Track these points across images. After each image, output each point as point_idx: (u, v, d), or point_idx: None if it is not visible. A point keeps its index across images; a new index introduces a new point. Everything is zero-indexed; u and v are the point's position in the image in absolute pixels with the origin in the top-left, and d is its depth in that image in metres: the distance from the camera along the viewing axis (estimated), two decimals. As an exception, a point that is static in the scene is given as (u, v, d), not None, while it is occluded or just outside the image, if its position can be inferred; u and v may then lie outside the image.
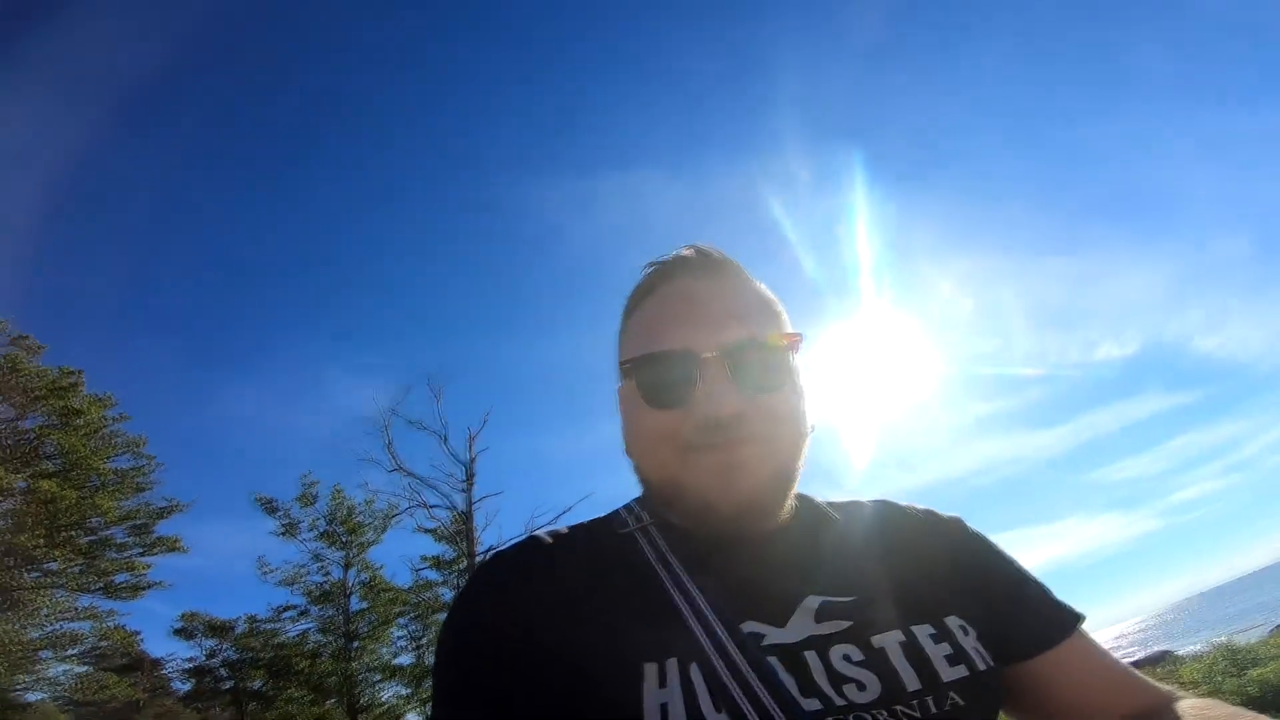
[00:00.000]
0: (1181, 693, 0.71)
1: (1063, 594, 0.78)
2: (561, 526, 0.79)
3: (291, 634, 21.44)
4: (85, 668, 17.27)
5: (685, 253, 0.78)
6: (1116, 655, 0.78)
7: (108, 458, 16.81)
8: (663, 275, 0.77)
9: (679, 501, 0.70)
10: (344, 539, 20.96)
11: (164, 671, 23.80)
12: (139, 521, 17.45)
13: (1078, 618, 0.76)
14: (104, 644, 17.24)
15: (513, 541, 0.76)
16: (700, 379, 0.67)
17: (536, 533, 0.76)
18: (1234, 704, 0.67)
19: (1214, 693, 6.63)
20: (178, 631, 22.32)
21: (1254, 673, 6.86)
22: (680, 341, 0.69)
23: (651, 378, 0.70)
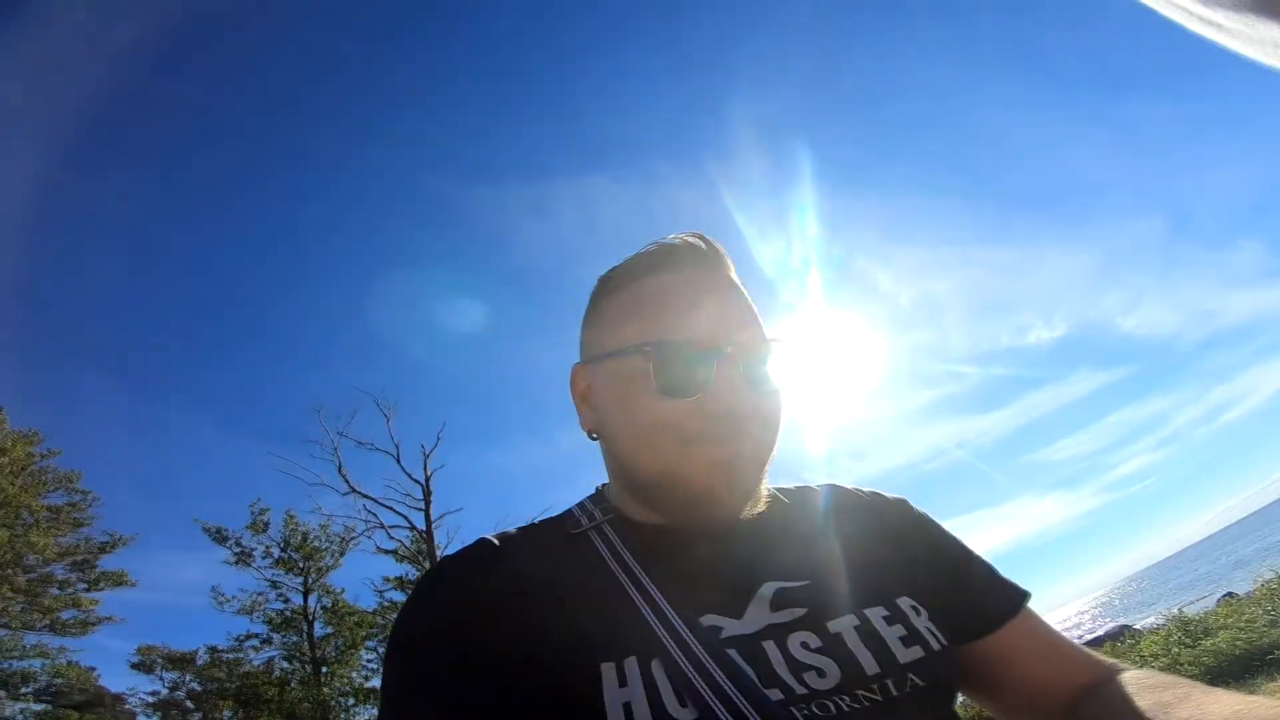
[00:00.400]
0: (1124, 664, 0.72)
1: (1021, 575, 0.79)
2: (511, 529, 0.76)
3: (256, 662, 21.01)
4: (43, 705, 17.09)
5: (692, 240, 0.76)
6: (1078, 632, 0.78)
7: (39, 495, 16.56)
8: (669, 260, 0.74)
9: (677, 492, 0.68)
10: (301, 565, 20.62)
11: (127, 706, 22.93)
12: (80, 557, 17.22)
13: (1024, 595, 0.77)
14: (58, 681, 17.08)
15: (460, 547, 0.73)
16: (718, 373, 0.67)
17: (485, 536, 0.73)
18: (1191, 674, 0.68)
19: (1172, 664, 6.87)
20: (135, 665, 21.58)
21: (1207, 643, 7.13)
22: (702, 333, 0.68)
23: (670, 365, 0.67)
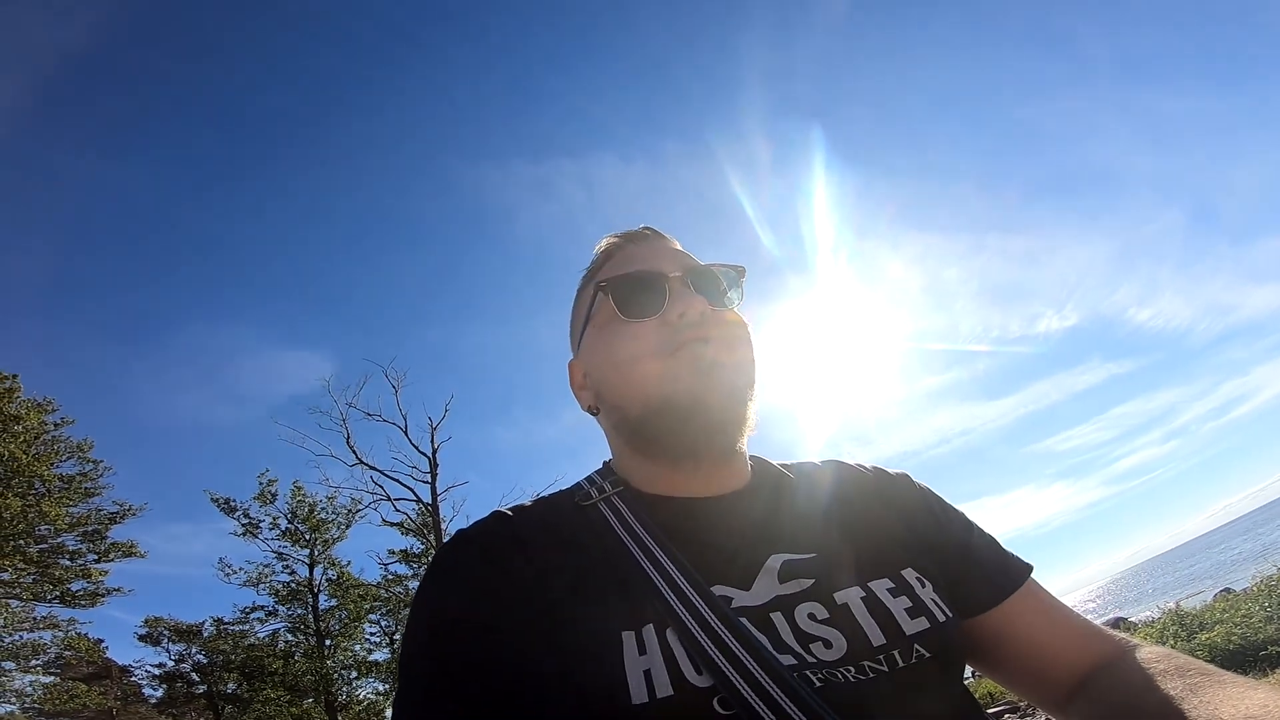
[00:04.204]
0: (1139, 641, 0.72)
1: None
2: (524, 501, 0.77)
3: (261, 634, 21.25)
4: (51, 678, 17.21)
5: (637, 228, 0.88)
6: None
7: (52, 464, 16.40)
8: (619, 242, 0.86)
9: (668, 408, 0.71)
10: (307, 537, 20.74)
11: (133, 679, 23.25)
12: (91, 527, 17.15)
13: (1027, 569, 0.77)
14: (68, 653, 17.17)
15: (475, 520, 0.75)
16: (669, 292, 0.76)
17: (499, 509, 0.74)
18: None
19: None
20: (143, 638, 21.87)
21: (1202, 637, 7.16)
22: (649, 266, 0.78)
23: (627, 292, 0.77)
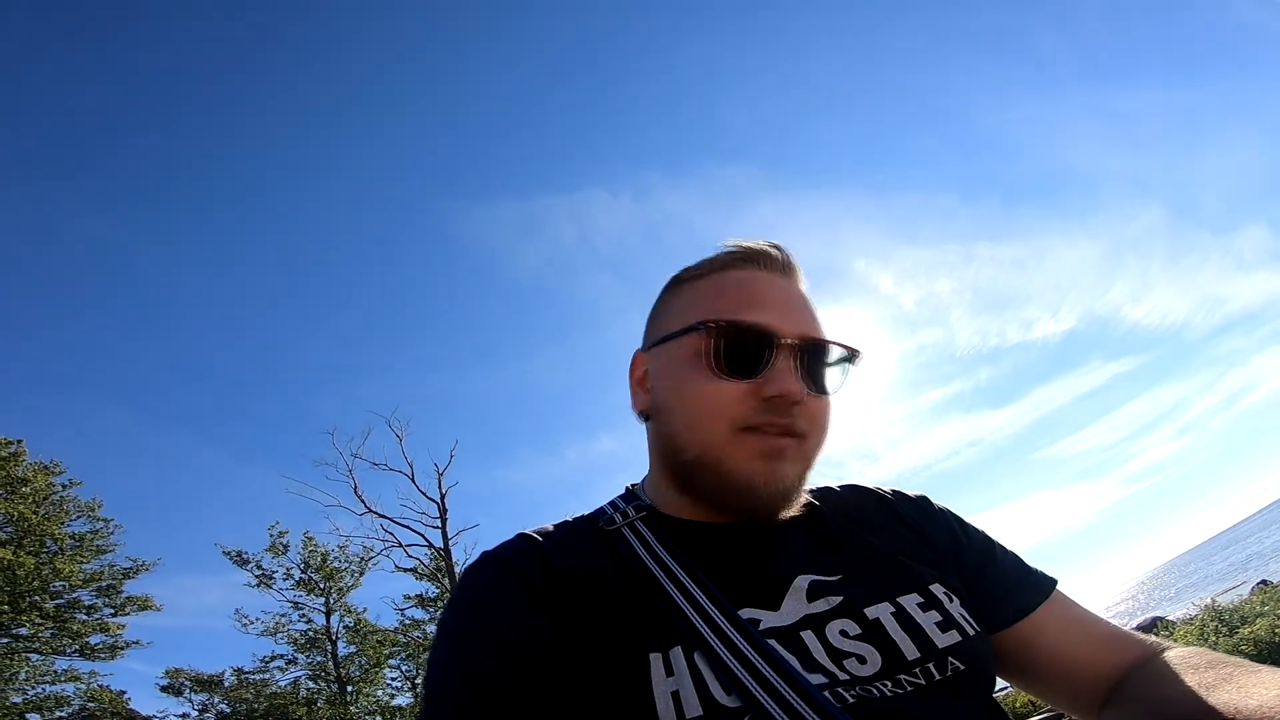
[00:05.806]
0: (1167, 643, 0.71)
1: (1049, 569, 0.78)
2: (548, 525, 0.76)
3: (283, 683, 21.09)
4: None
5: (767, 247, 0.78)
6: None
7: (62, 523, 16.85)
8: (744, 258, 0.76)
9: (718, 478, 0.69)
10: (322, 585, 20.83)
11: (158, 729, 23.07)
12: (105, 583, 17.49)
13: (1051, 582, 0.77)
14: (92, 705, 17.45)
15: (501, 542, 0.74)
16: (775, 359, 0.68)
17: (524, 531, 0.74)
18: None
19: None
20: (165, 689, 21.71)
21: (1245, 631, 6.97)
22: (764, 320, 0.69)
23: (729, 343, 0.69)
